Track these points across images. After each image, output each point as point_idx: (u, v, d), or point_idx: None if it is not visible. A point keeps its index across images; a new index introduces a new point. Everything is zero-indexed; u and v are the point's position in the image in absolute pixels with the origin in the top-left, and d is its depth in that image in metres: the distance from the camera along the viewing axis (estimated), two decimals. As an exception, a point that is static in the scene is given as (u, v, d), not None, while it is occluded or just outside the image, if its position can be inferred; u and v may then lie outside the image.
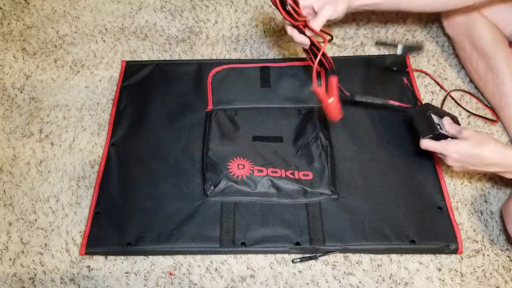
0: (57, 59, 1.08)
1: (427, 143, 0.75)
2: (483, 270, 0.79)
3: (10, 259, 0.82)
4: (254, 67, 1.00)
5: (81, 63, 1.08)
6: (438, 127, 0.75)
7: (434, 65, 1.04)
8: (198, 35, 1.12)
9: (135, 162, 0.89)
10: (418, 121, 0.77)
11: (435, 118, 0.76)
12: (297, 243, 0.79)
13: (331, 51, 1.07)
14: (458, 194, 0.87)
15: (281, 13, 0.72)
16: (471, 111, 0.96)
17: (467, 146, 0.71)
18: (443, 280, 0.78)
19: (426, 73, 1.02)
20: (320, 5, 0.75)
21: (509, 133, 0.92)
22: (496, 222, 0.84)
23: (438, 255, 0.80)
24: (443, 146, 0.73)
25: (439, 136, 0.74)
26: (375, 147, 0.89)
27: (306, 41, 0.75)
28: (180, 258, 0.81)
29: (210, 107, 0.95)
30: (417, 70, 1.02)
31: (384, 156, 0.88)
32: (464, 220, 0.84)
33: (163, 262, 0.81)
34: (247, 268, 0.80)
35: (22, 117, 1.00)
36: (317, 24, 0.74)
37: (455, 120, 0.80)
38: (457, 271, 0.79)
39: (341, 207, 0.82)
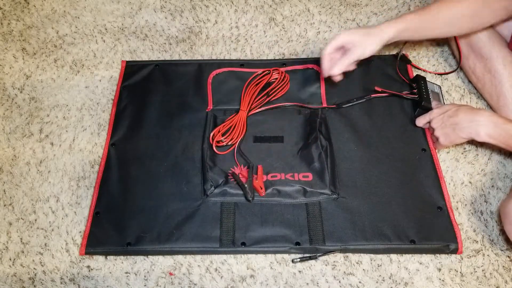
0: (57, 59, 1.08)
1: (419, 119, 0.90)
2: (483, 270, 0.79)
3: (10, 259, 0.82)
4: (254, 71, 0.99)
5: (81, 63, 1.08)
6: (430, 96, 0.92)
7: (434, 65, 1.04)
8: (198, 35, 1.12)
9: (135, 162, 0.89)
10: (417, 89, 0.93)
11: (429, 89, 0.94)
12: (297, 243, 0.79)
13: (331, 51, 1.07)
14: (458, 194, 0.87)
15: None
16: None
17: (448, 107, 0.84)
18: (443, 280, 0.78)
19: (425, 70, 1.02)
20: (350, 46, 0.80)
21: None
22: (496, 222, 0.84)
23: (438, 255, 0.80)
24: (430, 112, 0.87)
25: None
26: (375, 147, 0.89)
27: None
28: (180, 258, 0.81)
29: (210, 107, 0.95)
30: (417, 67, 1.03)
31: (384, 156, 0.88)
32: (464, 220, 0.84)
33: (163, 262, 0.81)
34: (247, 268, 0.80)
35: (22, 117, 1.00)
36: (337, 68, 0.82)
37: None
38: (457, 271, 0.79)
39: (341, 207, 0.82)
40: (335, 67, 0.82)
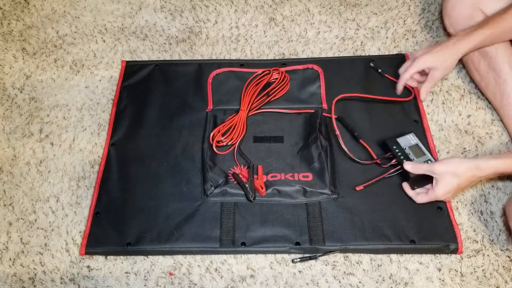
0: (57, 59, 1.08)
1: (421, 198, 0.80)
2: (483, 270, 0.79)
3: (10, 259, 0.82)
4: (254, 71, 0.99)
5: (81, 63, 1.08)
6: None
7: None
8: (198, 35, 1.12)
9: (135, 162, 0.89)
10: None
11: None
12: (297, 243, 0.79)
13: (331, 51, 1.07)
14: (458, 194, 0.87)
15: None
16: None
17: (448, 184, 0.75)
18: (443, 280, 0.78)
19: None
20: (430, 70, 0.86)
21: (510, 132, 0.92)
22: (496, 222, 0.84)
23: (438, 255, 0.80)
24: (433, 197, 0.78)
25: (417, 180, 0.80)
26: (375, 147, 0.89)
27: None
28: (180, 258, 0.81)
29: (210, 107, 0.95)
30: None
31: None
32: (464, 220, 0.84)
33: (163, 262, 0.81)
34: (247, 268, 0.80)
35: (22, 117, 1.00)
36: (425, 93, 0.92)
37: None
38: (457, 271, 0.79)
39: (341, 207, 0.82)
40: (423, 93, 0.92)
